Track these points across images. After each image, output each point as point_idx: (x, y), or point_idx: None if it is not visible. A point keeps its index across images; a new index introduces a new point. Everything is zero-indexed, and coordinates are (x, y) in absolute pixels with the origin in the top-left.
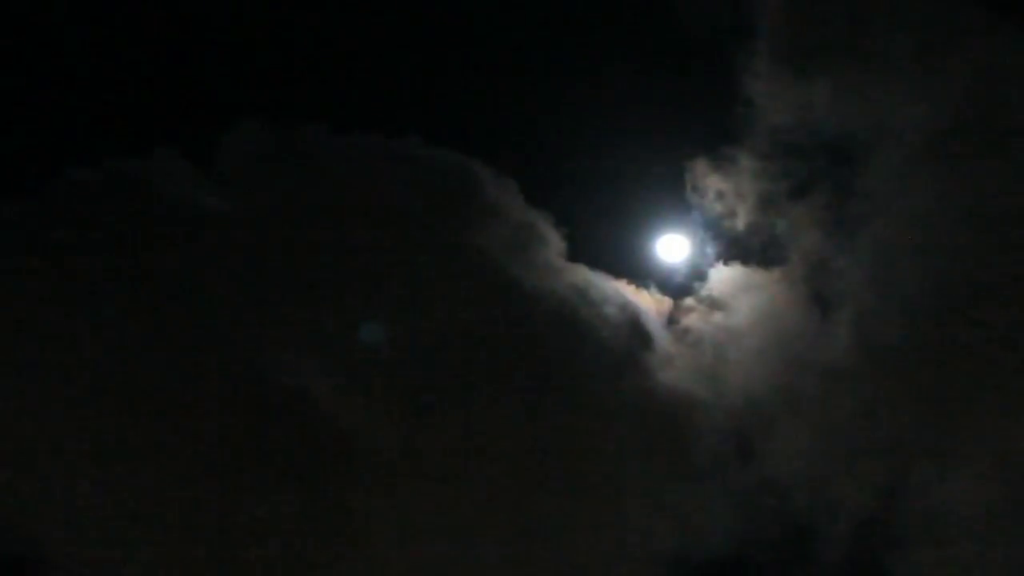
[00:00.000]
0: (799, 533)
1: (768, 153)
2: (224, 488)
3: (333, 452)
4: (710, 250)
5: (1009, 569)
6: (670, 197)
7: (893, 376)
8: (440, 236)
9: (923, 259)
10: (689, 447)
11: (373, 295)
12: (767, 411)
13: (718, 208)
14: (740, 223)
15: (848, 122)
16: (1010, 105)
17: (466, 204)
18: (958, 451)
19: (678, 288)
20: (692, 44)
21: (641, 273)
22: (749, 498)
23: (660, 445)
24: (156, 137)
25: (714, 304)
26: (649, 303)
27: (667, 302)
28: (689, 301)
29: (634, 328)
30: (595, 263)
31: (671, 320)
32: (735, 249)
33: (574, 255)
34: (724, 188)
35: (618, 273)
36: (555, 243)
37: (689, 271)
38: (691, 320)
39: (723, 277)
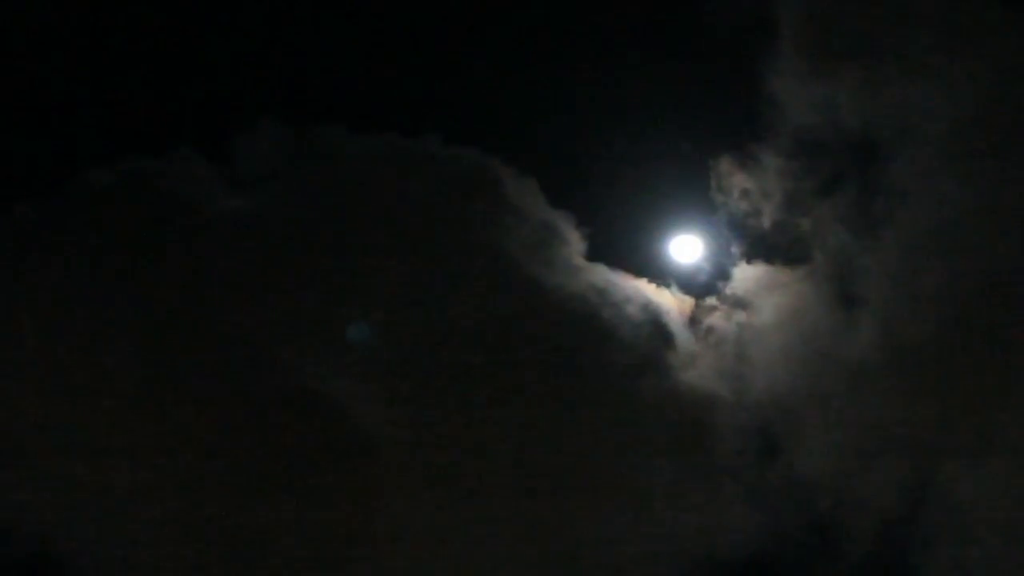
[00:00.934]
0: (824, 532)
1: (792, 151)
2: (241, 489)
3: (352, 452)
4: (734, 249)
5: None
6: (693, 196)
7: (919, 374)
8: (460, 235)
9: (948, 256)
10: (712, 447)
11: (393, 295)
12: (792, 410)
13: (742, 207)
14: (764, 221)
15: (872, 119)
16: None
17: (486, 203)
18: (985, 449)
19: (700, 287)
20: (715, 43)
21: (662, 272)
22: (774, 497)
23: (682, 445)
24: (173, 137)
25: (738, 303)
26: (671, 303)
27: (689, 302)
28: (711, 300)
29: (656, 327)
30: (616, 262)
31: (693, 320)
32: (759, 248)
33: (595, 254)
34: (748, 186)
35: (639, 272)
36: (576, 242)
37: (712, 270)
38: (714, 319)
39: (747, 276)
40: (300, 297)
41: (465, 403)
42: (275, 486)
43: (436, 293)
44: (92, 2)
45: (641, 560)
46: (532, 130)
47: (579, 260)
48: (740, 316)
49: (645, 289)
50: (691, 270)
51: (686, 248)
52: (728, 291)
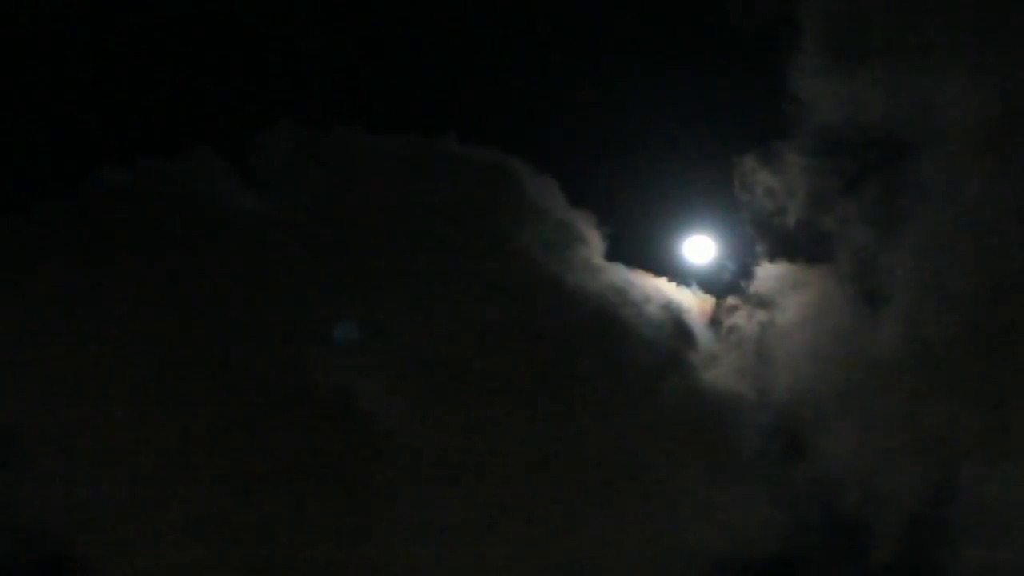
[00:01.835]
0: (848, 530)
1: (816, 149)
2: (261, 487)
3: (370, 450)
4: (757, 248)
5: None
6: (714, 195)
7: (943, 371)
8: (479, 235)
9: (972, 254)
10: (734, 446)
11: (411, 295)
12: (815, 408)
13: (765, 205)
14: (787, 220)
15: (896, 117)
16: None
17: (505, 202)
18: (1009, 446)
19: (721, 287)
20: (739, 41)
21: (683, 272)
22: (797, 496)
23: (704, 444)
24: (191, 137)
25: (760, 302)
26: (692, 302)
27: (710, 301)
28: (732, 300)
29: (677, 327)
30: (636, 262)
31: (714, 319)
32: (782, 246)
33: (616, 254)
34: (772, 185)
35: (659, 272)
36: (596, 242)
37: (734, 269)
38: (736, 318)
39: (770, 274)
40: (317, 296)
41: (484, 402)
42: (295, 484)
43: (455, 292)
44: (110, 2)
45: (663, 559)
46: (552, 129)
47: (599, 259)
48: (762, 315)
49: (665, 288)
50: (712, 269)
51: (707, 247)
52: (751, 290)
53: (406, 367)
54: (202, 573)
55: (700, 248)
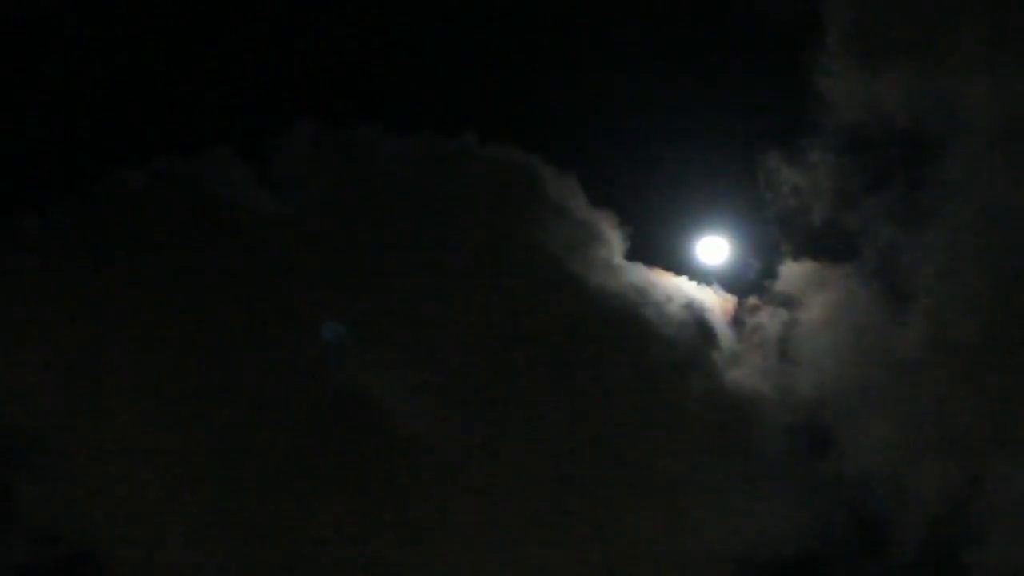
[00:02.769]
0: (873, 530)
1: (840, 147)
2: (283, 489)
3: (392, 451)
4: (781, 246)
5: None
6: (737, 194)
7: (968, 370)
8: (499, 235)
9: (997, 251)
10: (758, 446)
11: (433, 295)
12: (840, 407)
13: (789, 203)
14: (811, 218)
15: (921, 114)
16: None
17: (525, 202)
18: None
19: (743, 286)
20: (762, 39)
21: (704, 271)
22: (821, 496)
23: (728, 444)
24: (209, 138)
25: (784, 301)
26: (714, 301)
27: (732, 300)
28: (756, 299)
29: (699, 326)
30: (658, 261)
31: (736, 318)
32: (806, 244)
33: (637, 253)
34: (796, 183)
35: (681, 271)
36: (617, 241)
37: (758, 268)
38: (759, 317)
39: (793, 273)
40: (337, 297)
41: (506, 402)
42: (319, 485)
43: (476, 293)
44: (128, 2)
45: (686, 560)
46: (573, 127)
47: (620, 259)
48: (786, 314)
49: (687, 288)
50: (734, 268)
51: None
52: (775, 289)
53: (426, 367)
54: (224, 573)
55: (722, 247)
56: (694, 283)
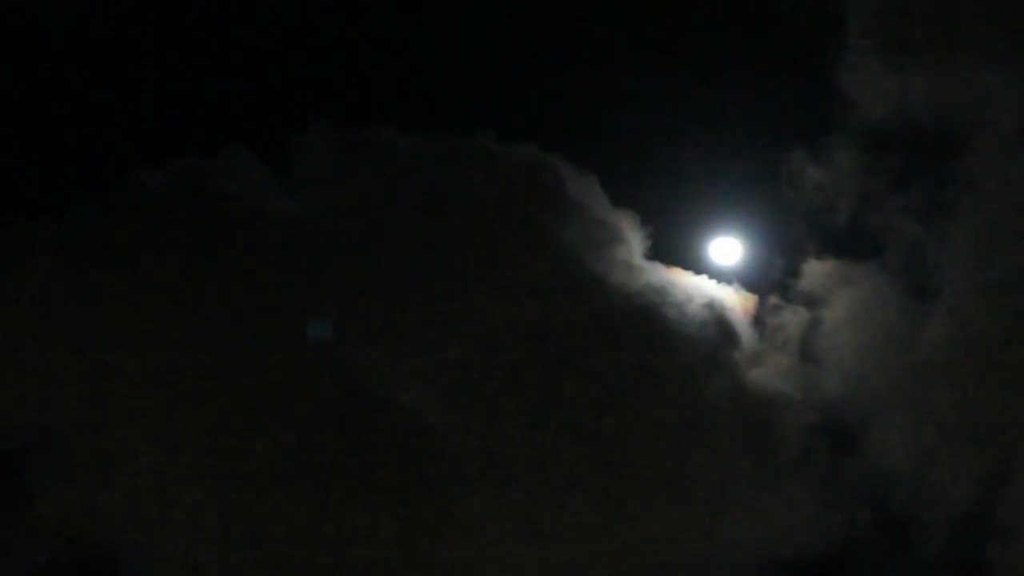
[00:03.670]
0: (898, 527)
1: (864, 145)
2: (305, 490)
3: (414, 451)
4: (805, 245)
5: None
6: (759, 193)
7: (994, 366)
8: (519, 234)
9: (1021, 249)
10: (782, 445)
11: (451, 294)
12: (864, 405)
13: (813, 202)
14: (835, 217)
15: (945, 112)
16: None
17: (545, 201)
18: None
19: (765, 285)
20: (785, 37)
21: (726, 270)
22: (846, 494)
23: (751, 444)
24: (226, 137)
25: (808, 300)
26: (734, 301)
27: (753, 299)
28: (777, 298)
29: (720, 325)
30: (679, 260)
31: (758, 317)
32: (830, 243)
33: (658, 252)
34: (820, 181)
35: (701, 270)
36: (638, 240)
37: (781, 267)
38: (781, 317)
39: (816, 272)
40: (354, 296)
41: (527, 402)
42: (337, 486)
43: (495, 292)
44: (145, 2)
45: (710, 560)
46: (593, 126)
47: (641, 258)
48: (809, 313)
49: (707, 287)
50: (756, 267)
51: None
52: (798, 288)
53: (445, 367)
54: (240, 572)
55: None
56: (714, 282)
